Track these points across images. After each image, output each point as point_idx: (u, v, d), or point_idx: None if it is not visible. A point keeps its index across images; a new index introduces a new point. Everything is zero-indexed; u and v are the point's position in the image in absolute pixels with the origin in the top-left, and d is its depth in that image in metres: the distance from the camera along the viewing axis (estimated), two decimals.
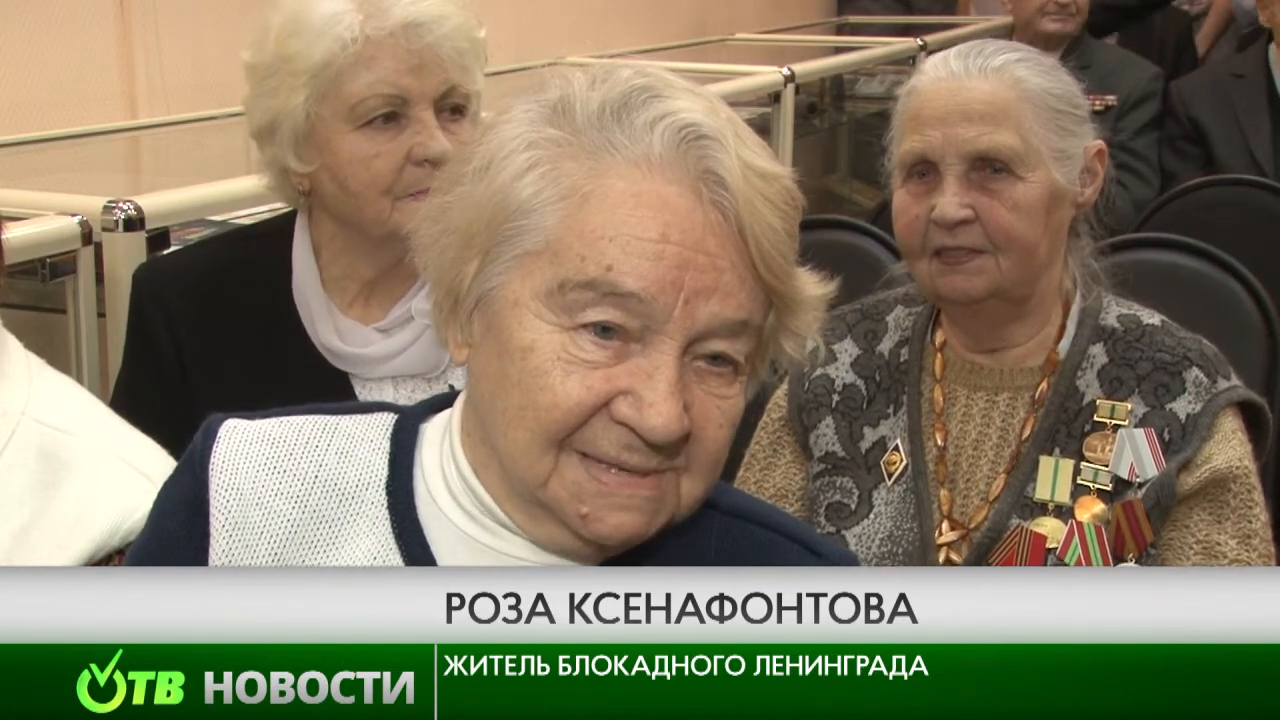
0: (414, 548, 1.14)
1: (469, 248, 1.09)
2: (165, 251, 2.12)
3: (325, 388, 1.78)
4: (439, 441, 1.18)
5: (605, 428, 1.05)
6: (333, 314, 1.82)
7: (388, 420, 1.20)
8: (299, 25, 1.70)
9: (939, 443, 1.78)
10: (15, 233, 1.90)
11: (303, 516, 1.14)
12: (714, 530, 1.17)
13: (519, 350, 1.05)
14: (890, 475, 1.78)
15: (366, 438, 1.18)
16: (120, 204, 2.11)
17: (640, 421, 1.03)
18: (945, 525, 1.74)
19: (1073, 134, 1.74)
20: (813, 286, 1.12)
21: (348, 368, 1.81)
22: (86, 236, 2.08)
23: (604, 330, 1.04)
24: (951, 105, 1.71)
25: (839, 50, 5.35)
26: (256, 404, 1.23)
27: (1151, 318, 1.79)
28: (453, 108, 1.75)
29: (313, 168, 1.74)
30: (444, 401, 1.22)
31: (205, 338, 1.82)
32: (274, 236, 1.87)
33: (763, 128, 4.01)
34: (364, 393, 1.81)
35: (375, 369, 1.81)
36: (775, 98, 3.93)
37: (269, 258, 1.84)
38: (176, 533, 1.15)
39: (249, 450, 1.16)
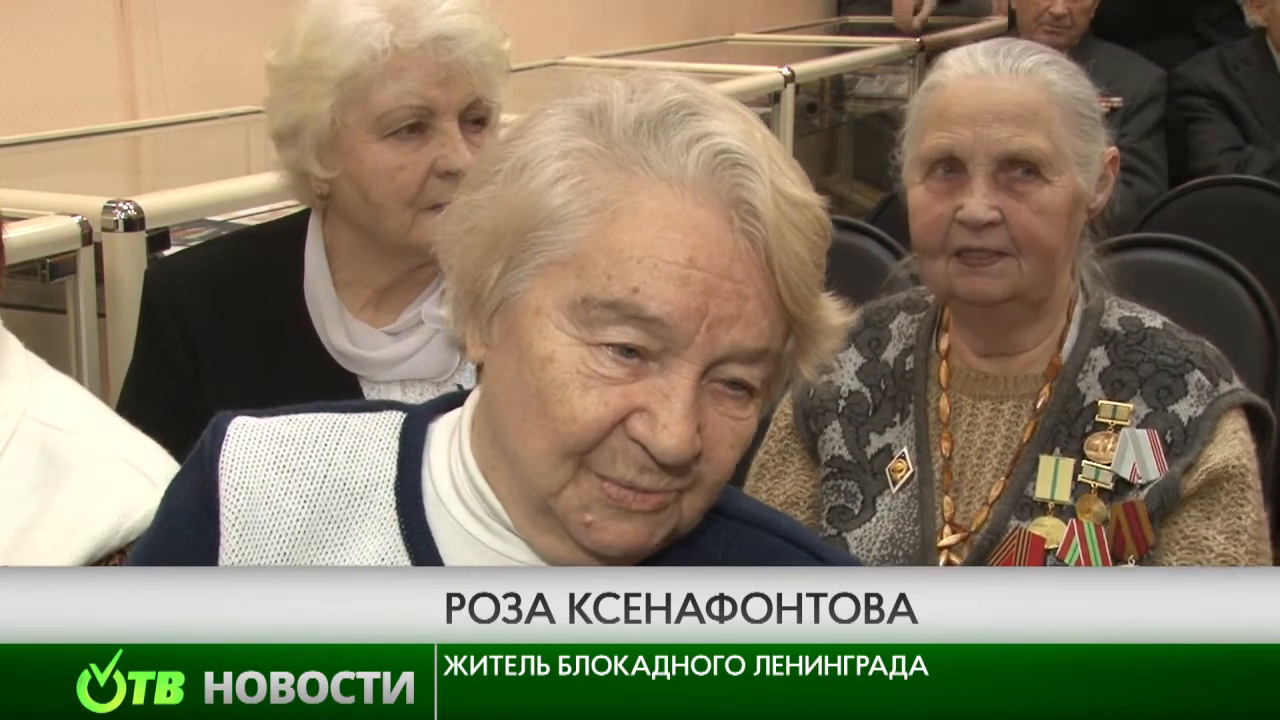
0: (422, 549, 1.14)
1: (494, 251, 1.08)
2: (174, 251, 2.12)
3: (334, 390, 1.77)
4: (447, 441, 1.17)
5: (622, 447, 1.04)
6: (344, 317, 1.82)
7: (396, 419, 1.20)
8: (327, 31, 1.69)
9: (945, 452, 1.77)
10: (15, 233, 1.90)
11: (312, 516, 1.14)
12: (721, 536, 1.17)
13: (538, 360, 1.05)
14: (895, 482, 1.78)
15: (375, 436, 1.18)
16: (120, 204, 2.11)
17: (653, 441, 1.03)
18: (947, 530, 1.74)
19: (1094, 139, 1.73)
20: (835, 315, 1.12)
21: (357, 370, 1.81)
22: (86, 236, 2.08)
23: (625, 350, 1.04)
24: (983, 104, 1.69)
25: (839, 50, 5.34)
26: (265, 404, 1.23)
27: (1153, 320, 1.78)
28: (475, 119, 1.75)
29: (335, 174, 1.74)
30: (452, 400, 1.21)
31: (216, 335, 1.82)
32: (286, 237, 1.86)
33: None
34: (372, 395, 1.81)
35: (384, 372, 1.81)
36: (775, 98, 3.93)
37: (281, 258, 1.84)
38: (185, 531, 1.14)
39: (258, 448, 1.15)
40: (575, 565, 1.11)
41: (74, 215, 2.09)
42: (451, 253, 1.12)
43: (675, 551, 1.13)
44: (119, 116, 3.35)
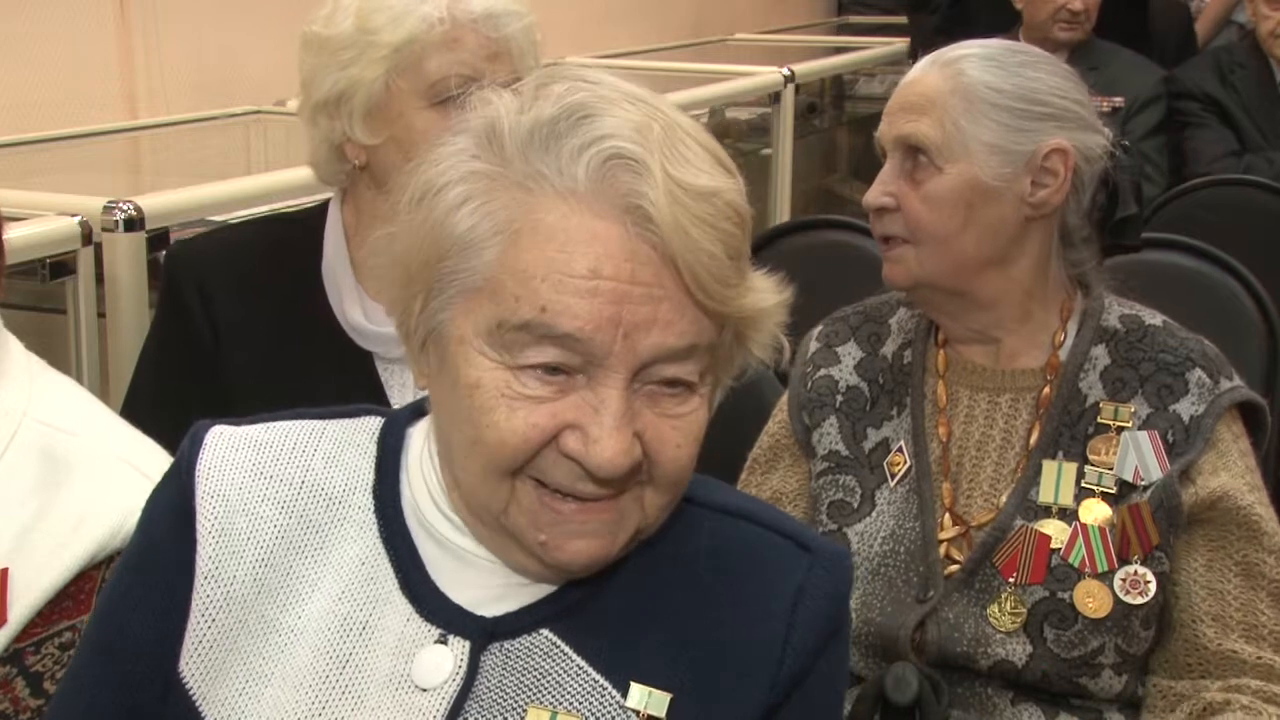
0: (402, 553, 1.14)
1: (412, 284, 1.08)
2: (196, 233, 2.13)
3: (348, 366, 1.82)
4: (423, 446, 1.17)
5: (555, 460, 1.04)
6: (361, 295, 1.85)
7: (374, 424, 1.20)
8: (382, 1, 1.75)
9: (942, 439, 1.77)
10: (15, 233, 1.90)
11: (290, 522, 1.14)
12: (704, 528, 1.16)
13: (465, 387, 1.04)
14: (893, 476, 1.78)
15: (353, 442, 1.18)
16: (120, 204, 2.11)
17: (586, 457, 1.02)
18: (947, 518, 1.73)
19: (1018, 130, 1.70)
20: (766, 297, 1.10)
21: (371, 347, 1.84)
22: (86, 237, 2.08)
23: (549, 368, 1.03)
24: (899, 98, 1.75)
25: (839, 50, 5.35)
26: (282, 379, 1.23)
27: (1153, 318, 1.78)
28: None
29: (380, 140, 1.78)
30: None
31: (237, 312, 1.86)
32: (306, 222, 1.91)
33: (762, 128, 4.02)
34: (385, 373, 1.84)
35: (397, 348, 1.83)
36: (775, 98, 3.94)
37: (301, 242, 1.89)
38: (164, 539, 1.14)
39: (235, 456, 1.15)
40: (543, 576, 1.11)
41: (74, 215, 2.09)
42: (380, 286, 1.13)
43: (657, 547, 1.13)
44: (119, 116, 3.36)
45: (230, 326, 1.85)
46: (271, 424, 1.18)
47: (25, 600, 1.30)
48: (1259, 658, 1.65)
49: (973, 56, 1.73)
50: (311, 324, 1.85)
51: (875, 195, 1.74)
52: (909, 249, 1.73)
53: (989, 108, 1.70)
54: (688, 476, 1.10)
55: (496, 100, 1.08)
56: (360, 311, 1.85)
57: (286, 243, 1.90)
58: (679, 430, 1.06)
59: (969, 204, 1.70)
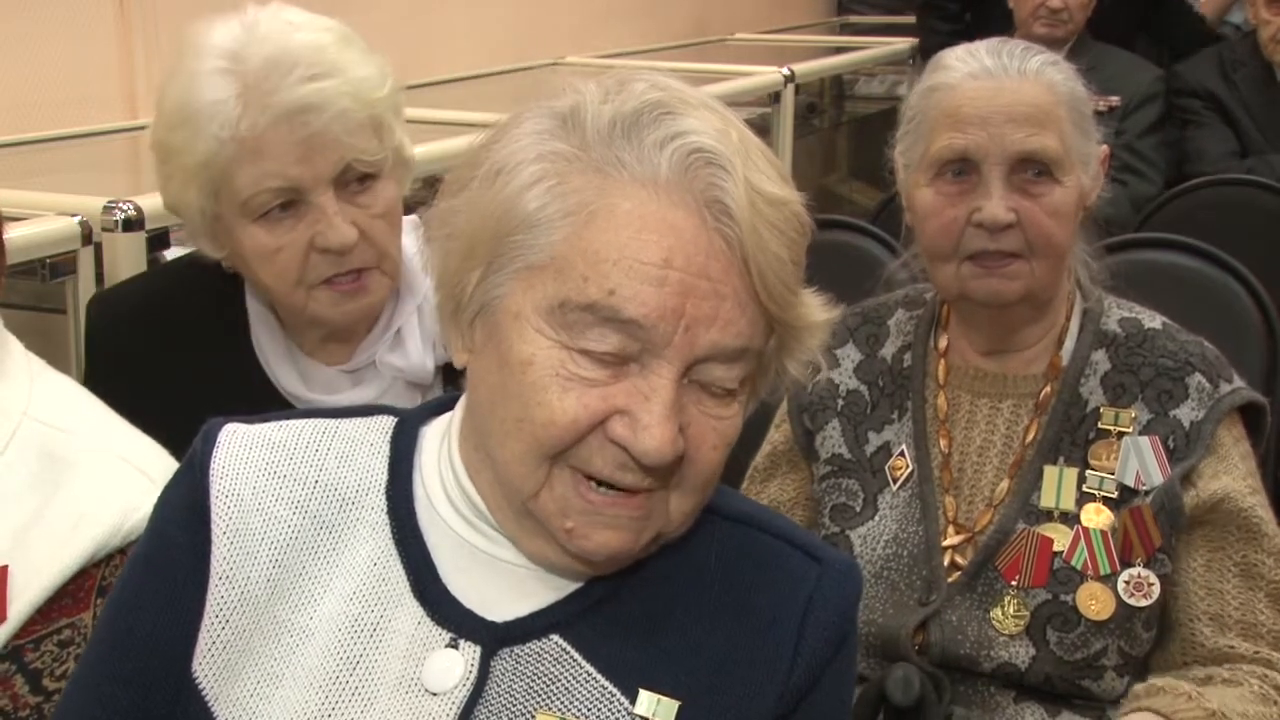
0: (413, 553, 1.14)
1: (473, 256, 1.08)
2: (118, 281, 2.03)
3: None
4: (438, 445, 1.18)
5: (600, 446, 1.04)
6: (294, 356, 1.73)
7: (388, 423, 1.20)
8: (183, 114, 1.58)
9: (944, 449, 1.77)
10: (15, 233, 1.90)
11: (303, 522, 1.14)
12: (715, 536, 1.17)
13: (518, 363, 1.05)
14: (895, 480, 1.78)
15: (366, 441, 1.18)
16: (120, 204, 2.11)
17: (634, 443, 1.03)
18: (950, 530, 1.73)
19: (1091, 137, 1.73)
20: (817, 312, 1.12)
21: None
22: (86, 236, 2.08)
23: (604, 352, 1.04)
24: (995, 105, 1.68)
25: (839, 50, 5.35)
26: None
27: (1153, 321, 1.78)
28: (359, 178, 1.62)
29: (225, 254, 1.66)
30: (444, 405, 1.21)
31: (157, 373, 1.72)
32: (229, 274, 1.73)
33: (763, 128, 4.02)
34: None
35: None
36: (775, 98, 3.94)
37: (228, 288, 1.74)
38: (177, 538, 1.14)
39: (249, 455, 1.15)
40: (562, 568, 1.11)
41: (74, 215, 2.09)
42: (433, 258, 1.12)
43: (668, 554, 1.13)
44: (119, 116, 3.35)
45: (152, 392, 1.66)
46: (285, 422, 1.19)
47: (25, 598, 1.30)
48: (1256, 653, 1.66)
49: (1052, 65, 1.72)
50: (247, 396, 1.67)
51: (1003, 211, 1.67)
52: (1024, 264, 1.69)
53: (1081, 117, 1.71)
54: (715, 481, 1.11)
55: (580, 86, 1.09)
56: (296, 376, 1.71)
57: (209, 293, 1.74)
58: (717, 431, 1.07)
59: (1075, 213, 1.71)
